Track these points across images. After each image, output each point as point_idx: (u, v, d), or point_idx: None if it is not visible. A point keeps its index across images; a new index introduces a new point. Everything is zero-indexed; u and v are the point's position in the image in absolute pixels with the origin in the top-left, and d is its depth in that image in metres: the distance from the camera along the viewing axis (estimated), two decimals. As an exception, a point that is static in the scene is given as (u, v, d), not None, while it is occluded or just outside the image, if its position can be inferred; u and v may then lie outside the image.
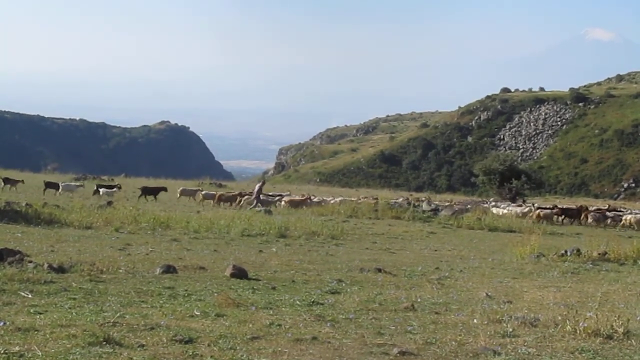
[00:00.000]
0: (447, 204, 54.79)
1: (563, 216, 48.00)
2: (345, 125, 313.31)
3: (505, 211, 47.69)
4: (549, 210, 47.89)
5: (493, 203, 54.84)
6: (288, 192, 59.31)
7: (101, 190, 51.25)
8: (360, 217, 42.86)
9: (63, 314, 11.72)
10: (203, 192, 53.58)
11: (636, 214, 46.91)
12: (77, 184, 55.37)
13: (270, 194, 56.32)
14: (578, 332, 11.46)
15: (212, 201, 51.01)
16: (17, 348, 9.23)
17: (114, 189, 52.25)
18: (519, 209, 47.99)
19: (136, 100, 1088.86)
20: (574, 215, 48.06)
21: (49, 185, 53.55)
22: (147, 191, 53.02)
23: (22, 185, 53.44)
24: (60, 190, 52.00)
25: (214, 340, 10.32)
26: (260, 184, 54.55)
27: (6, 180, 53.27)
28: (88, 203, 40.71)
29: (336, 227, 33.37)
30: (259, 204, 48.90)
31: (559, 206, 52.87)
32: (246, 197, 51.14)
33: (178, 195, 54.29)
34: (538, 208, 48.91)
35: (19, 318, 11.23)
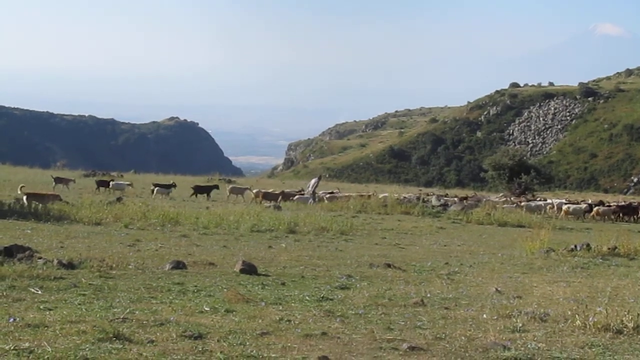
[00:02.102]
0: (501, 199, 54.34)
1: (620, 214, 47.59)
2: (354, 121, 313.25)
3: (565, 207, 47.08)
4: (607, 208, 47.58)
5: (549, 201, 53.76)
6: (337, 189, 58.66)
7: (156, 189, 50.93)
8: (369, 213, 42.78)
9: (73, 310, 11.74)
10: (255, 190, 52.55)
11: None
12: (127, 182, 54.89)
13: (321, 192, 55.35)
14: (588, 327, 11.47)
15: (258, 199, 49.66)
16: (27, 344, 9.25)
17: (170, 189, 51.78)
18: (576, 206, 47.35)
19: (145, 97, 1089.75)
20: (630, 212, 47.87)
21: (101, 183, 53.60)
22: (200, 190, 52.68)
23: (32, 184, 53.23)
24: (110, 187, 51.87)
25: (223, 336, 10.34)
26: (317, 179, 54.25)
27: (58, 180, 53.30)
28: (97, 199, 40.72)
29: (345, 223, 33.33)
30: (315, 199, 48.71)
31: (611, 203, 52.52)
32: (297, 196, 50.23)
33: (227, 193, 53.52)
34: (596, 205, 48.56)
35: (29, 314, 11.25)
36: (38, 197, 34.39)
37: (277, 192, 52.02)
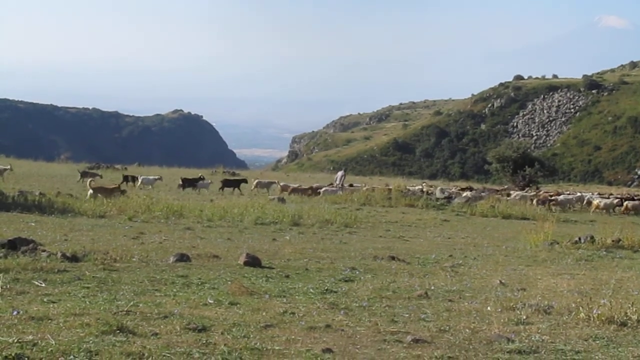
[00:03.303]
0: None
1: None
2: (359, 113, 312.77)
3: (596, 202, 46.71)
4: (637, 202, 47.36)
5: (589, 194, 53.11)
6: (364, 185, 58.42)
7: (198, 183, 50.54)
8: (373, 205, 42.75)
9: (77, 303, 11.74)
10: (282, 184, 51.52)
11: None
12: (156, 177, 54.14)
13: (348, 185, 55.22)
14: (592, 319, 11.47)
15: (286, 192, 48.41)
16: (30, 337, 9.23)
17: (209, 182, 51.42)
18: (607, 200, 47.16)
19: (149, 90, 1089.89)
20: None
21: (127, 178, 53.14)
22: (228, 184, 52.11)
23: (33, 177, 53.03)
24: (139, 183, 51.31)
25: (227, 329, 10.34)
26: (343, 172, 54.37)
27: (84, 174, 53.43)
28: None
29: (349, 215, 33.33)
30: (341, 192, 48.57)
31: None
32: (325, 188, 49.84)
33: (253, 187, 52.39)
34: (626, 199, 48.34)
35: (33, 307, 11.25)
36: (103, 191, 36.87)
37: (305, 187, 51.23)
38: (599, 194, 55.54)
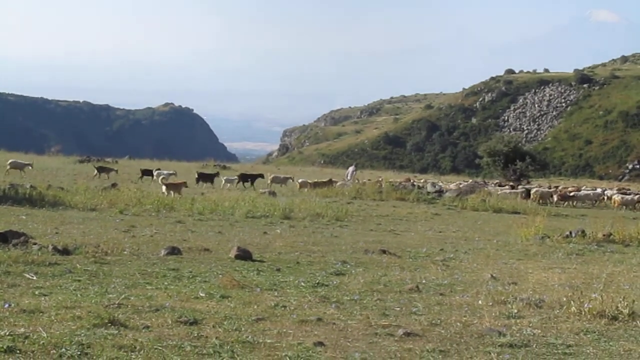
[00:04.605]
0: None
1: None
2: (349, 107, 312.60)
3: (617, 198, 46.70)
4: None
5: (599, 190, 53.13)
6: (380, 178, 58.43)
7: (223, 178, 50.48)
8: (364, 199, 42.74)
9: (68, 296, 11.73)
10: (300, 180, 51.07)
11: None
12: (171, 172, 53.77)
13: (365, 180, 55.68)
14: (583, 313, 11.50)
15: (305, 189, 48.30)
16: (22, 330, 9.23)
17: (234, 177, 51.55)
18: (628, 197, 47.13)
19: (140, 83, 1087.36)
20: None
21: (145, 172, 52.86)
22: (245, 178, 51.82)
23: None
24: (154, 177, 51.03)
25: (218, 322, 10.34)
26: (354, 167, 55.79)
27: (101, 169, 53.28)
28: (92, 185, 40.60)
29: (340, 209, 33.30)
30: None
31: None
32: (340, 182, 50.31)
33: (268, 182, 52.00)
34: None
35: (24, 300, 11.24)
36: (174, 187, 38.76)
37: (325, 180, 51.02)
38: (617, 189, 55.61)
